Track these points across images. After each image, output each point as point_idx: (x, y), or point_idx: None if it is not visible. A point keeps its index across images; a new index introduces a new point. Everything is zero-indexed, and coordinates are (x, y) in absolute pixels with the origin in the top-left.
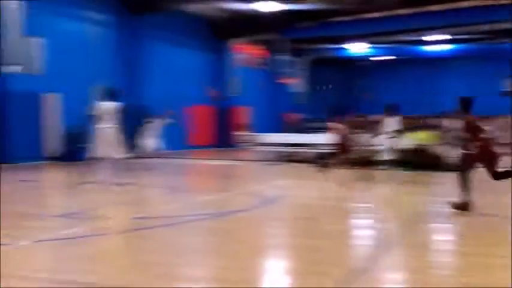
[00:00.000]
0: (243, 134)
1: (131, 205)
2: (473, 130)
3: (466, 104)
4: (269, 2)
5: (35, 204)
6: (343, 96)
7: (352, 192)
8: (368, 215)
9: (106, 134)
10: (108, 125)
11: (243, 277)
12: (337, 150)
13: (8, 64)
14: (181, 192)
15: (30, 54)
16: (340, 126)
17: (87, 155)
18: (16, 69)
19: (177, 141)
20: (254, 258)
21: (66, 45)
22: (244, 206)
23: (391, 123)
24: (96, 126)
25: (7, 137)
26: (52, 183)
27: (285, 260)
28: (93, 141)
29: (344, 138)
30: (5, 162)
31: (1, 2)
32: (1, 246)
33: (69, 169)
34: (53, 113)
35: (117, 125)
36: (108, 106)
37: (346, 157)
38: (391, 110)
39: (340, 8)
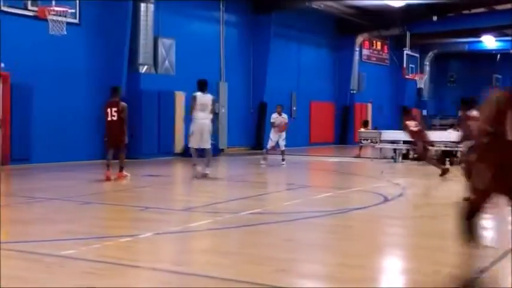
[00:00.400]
0: (364, 131)
1: (251, 200)
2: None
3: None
4: None
5: (158, 197)
6: (471, 91)
7: None
8: (492, 215)
9: (200, 125)
10: (203, 117)
11: (360, 275)
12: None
13: (141, 64)
14: (300, 189)
15: (162, 54)
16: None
17: (189, 145)
18: (148, 68)
19: (299, 138)
20: (372, 257)
21: (194, 45)
22: (363, 203)
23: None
24: (193, 116)
25: (139, 134)
26: (175, 178)
27: (403, 259)
28: (189, 131)
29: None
30: (135, 158)
31: (136, 4)
32: (124, 237)
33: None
34: (180, 111)
35: (211, 117)
36: (203, 98)
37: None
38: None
39: (470, 1)
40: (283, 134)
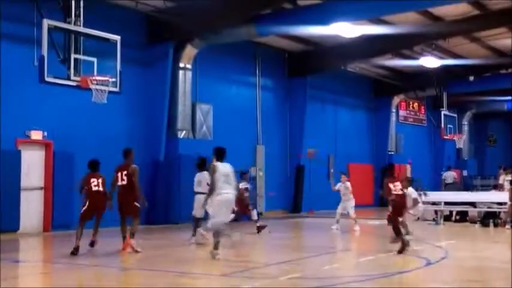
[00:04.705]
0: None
1: (290, 264)
2: None
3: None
4: (431, 58)
5: (196, 262)
6: None
7: None
8: None
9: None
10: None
11: None
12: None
13: (180, 129)
14: (340, 252)
15: (200, 119)
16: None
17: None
18: (186, 133)
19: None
20: None
21: (231, 110)
22: (405, 267)
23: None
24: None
25: (177, 198)
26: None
27: None
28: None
29: None
30: (174, 223)
31: (174, 71)
32: None
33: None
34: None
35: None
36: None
37: None
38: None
39: (506, 61)
40: (350, 203)
